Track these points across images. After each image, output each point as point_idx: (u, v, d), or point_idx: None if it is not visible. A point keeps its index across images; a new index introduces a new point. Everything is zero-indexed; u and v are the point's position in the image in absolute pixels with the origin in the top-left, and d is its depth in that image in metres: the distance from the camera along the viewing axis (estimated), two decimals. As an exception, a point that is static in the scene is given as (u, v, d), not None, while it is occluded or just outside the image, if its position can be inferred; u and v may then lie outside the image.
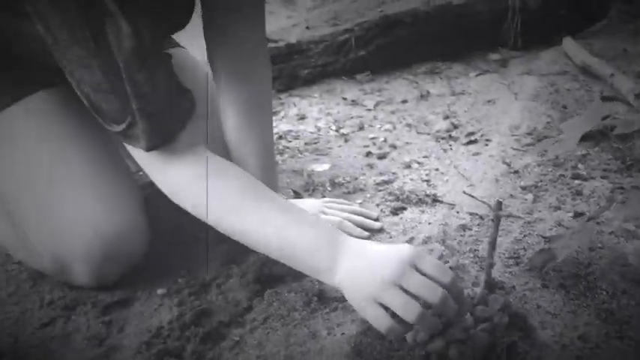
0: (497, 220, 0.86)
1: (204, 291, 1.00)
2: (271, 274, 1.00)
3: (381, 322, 0.75)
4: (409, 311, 0.73)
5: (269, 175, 1.11)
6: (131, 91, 0.78)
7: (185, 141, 0.85)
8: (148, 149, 0.83)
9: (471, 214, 1.14)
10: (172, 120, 0.83)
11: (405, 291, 0.74)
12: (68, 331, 0.93)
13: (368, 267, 0.76)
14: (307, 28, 2.99)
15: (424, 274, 0.74)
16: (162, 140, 0.83)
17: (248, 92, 1.08)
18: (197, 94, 0.97)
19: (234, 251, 1.04)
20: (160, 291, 1.00)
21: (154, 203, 1.01)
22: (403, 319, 0.73)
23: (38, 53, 0.88)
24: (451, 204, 1.19)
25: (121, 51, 0.75)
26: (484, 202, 0.94)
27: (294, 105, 1.86)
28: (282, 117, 1.79)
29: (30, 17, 0.79)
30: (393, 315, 0.74)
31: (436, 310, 0.74)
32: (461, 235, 1.07)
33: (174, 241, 1.11)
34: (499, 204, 0.85)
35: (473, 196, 1.08)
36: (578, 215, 1.06)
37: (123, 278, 1.00)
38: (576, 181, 1.22)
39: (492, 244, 0.87)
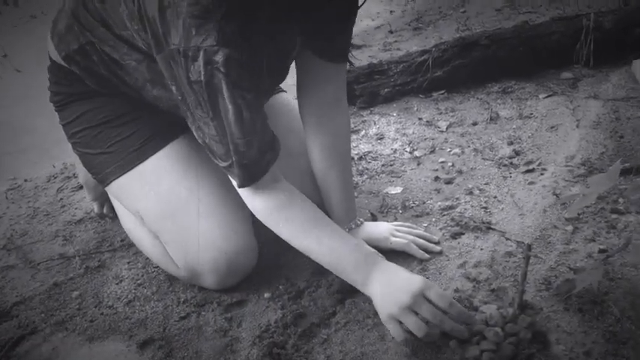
0: (526, 259, 1.19)
1: (300, 297, 1.38)
2: (351, 286, 1.37)
3: (397, 334, 1.17)
4: (417, 329, 1.14)
5: (348, 198, 1.51)
6: (232, 147, 1.17)
7: (269, 179, 1.23)
8: (240, 187, 1.23)
9: (517, 242, 1.47)
10: (259, 168, 1.21)
11: (417, 314, 1.14)
12: (200, 324, 1.34)
13: (392, 292, 1.18)
14: (390, 32, 3.31)
15: (430, 301, 1.14)
16: (250, 182, 1.22)
17: (329, 134, 1.47)
18: (290, 136, 1.42)
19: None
20: (266, 295, 1.40)
21: (261, 224, 1.39)
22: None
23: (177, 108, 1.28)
24: (502, 232, 1.51)
25: (228, 122, 1.14)
26: (518, 242, 1.27)
27: (374, 123, 2.21)
28: (363, 136, 2.14)
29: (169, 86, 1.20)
30: (408, 329, 1.16)
31: (441, 328, 1.15)
32: (506, 261, 1.40)
33: (277, 254, 1.50)
34: (528, 247, 1.18)
35: (509, 239, 1.42)
36: (602, 252, 1.37)
37: (239, 284, 1.40)
38: (613, 215, 1.52)
39: (523, 276, 1.20)
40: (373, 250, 1.42)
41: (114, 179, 1.41)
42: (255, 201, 1.25)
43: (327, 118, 1.46)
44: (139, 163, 1.39)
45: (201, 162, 1.41)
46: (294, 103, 1.61)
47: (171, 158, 1.40)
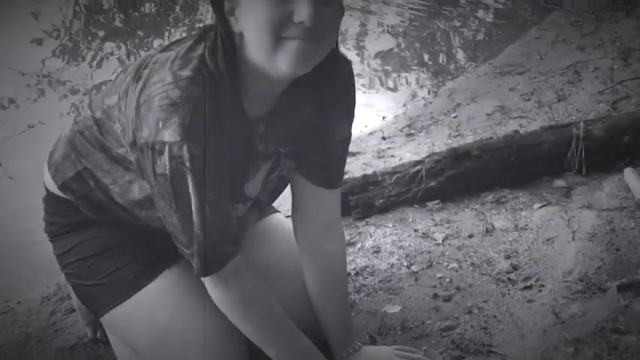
0: (528, 391, 1.18)
1: None
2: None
3: None
4: None
5: (344, 323, 1.52)
6: (194, 237, 1.21)
7: (230, 270, 1.26)
8: (197, 276, 1.27)
9: (518, 366, 1.46)
10: (217, 260, 1.24)
11: None
12: None
13: None
14: (383, 138, 3.39)
15: None
16: (207, 272, 1.25)
17: (322, 259, 1.49)
18: (284, 258, 1.53)
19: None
20: None
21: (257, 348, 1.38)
22: None
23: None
24: (503, 355, 1.50)
25: (190, 213, 1.18)
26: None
27: (370, 235, 2.23)
28: (359, 249, 2.16)
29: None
30: None
31: None
32: (508, 389, 1.39)
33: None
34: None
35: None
36: (604, 378, 1.36)
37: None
38: (614, 335, 1.51)
39: (526, 409, 1.19)
40: None
41: (107, 311, 1.42)
42: (215, 291, 1.29)
43: (321, 243, 1.48)
44: (133, 295, 1.40)
45: (196, 290, 1.41)
46: (289, 223, 1.63)
47: (165, 288, 1.41)
